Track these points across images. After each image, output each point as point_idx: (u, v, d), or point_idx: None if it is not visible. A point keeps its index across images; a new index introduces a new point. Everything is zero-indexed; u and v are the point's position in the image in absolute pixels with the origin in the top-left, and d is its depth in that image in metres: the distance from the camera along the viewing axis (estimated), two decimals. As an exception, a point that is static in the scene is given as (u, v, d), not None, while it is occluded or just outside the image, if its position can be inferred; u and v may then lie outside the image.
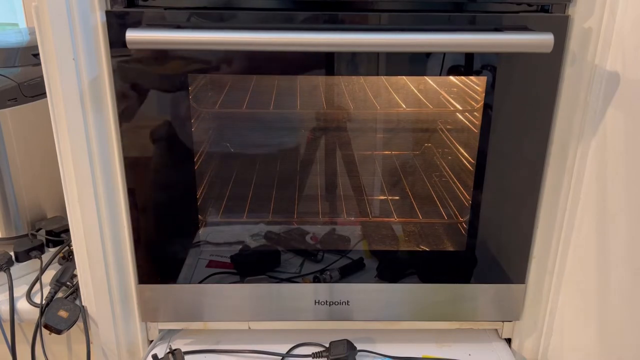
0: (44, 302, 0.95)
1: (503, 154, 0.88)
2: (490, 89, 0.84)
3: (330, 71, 0.85)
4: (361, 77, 1.03)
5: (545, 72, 0.82)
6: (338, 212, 1.11)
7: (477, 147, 0.88)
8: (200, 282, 0.96)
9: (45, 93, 0.83)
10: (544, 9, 0.81)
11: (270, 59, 0.84)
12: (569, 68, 0.82)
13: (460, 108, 1.03)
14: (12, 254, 1.06)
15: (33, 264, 1.07)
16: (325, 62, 0.84)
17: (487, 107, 0.85)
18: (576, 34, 0.80)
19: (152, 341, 1.01)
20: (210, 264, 0.96)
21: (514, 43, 0.77)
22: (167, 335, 1.02)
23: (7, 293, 0.98)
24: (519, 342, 1.01)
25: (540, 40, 0.75)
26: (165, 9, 0.80)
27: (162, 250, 0.93)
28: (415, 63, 0.85)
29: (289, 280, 0.97)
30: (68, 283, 0.99)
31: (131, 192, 0.89)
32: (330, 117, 1.08)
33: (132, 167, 0.87)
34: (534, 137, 0.86)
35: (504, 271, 0.95)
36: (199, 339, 1.00)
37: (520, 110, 0.85)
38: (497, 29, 0.79)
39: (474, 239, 0.93)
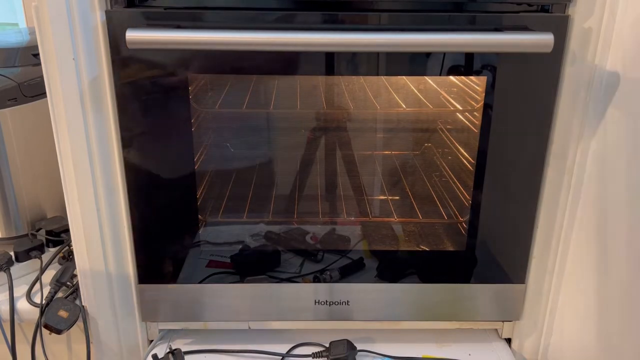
0: (44, 302, 0.95)
1: (503, 154, 0.88)
2: (490, 89, 0.84)
3: (330, 71, 0.85)
4: (361, 77, 1.03)
5: (545, 72, 0.82)
6: (338, 212, 1.11)
7: (477, 147, 0.88)
8: (200, 282, 0.96)
9: (45, 93, 0.83)
10: (544, 9, 0.81)
11: (270, 59, 0.84)
12: (569, 68, 0.82)
13: (460, 108, 1.03)
14: (12, 254, 1.06)
15: (33, 264, 1.07)
16: (325, 62, 0.84)
17: (487, 107, 0.85)
18: (576, 34, 0.80)
19: (152, 341, 1.01)
20: (210, 264, 0.96)
21: (514, 43, 0.77)
22: (167, 335, 1.02)
23: (7, 293, 0.98)
24: (519, 342, 1.01)
25: (540, 40, 0.75)
26: (165, 9, 0.80)
27: (162, 250, 0.93)
28: (415, 63, 0.85)
29: (289, 280, 0.97)
30: (68, 283, 0.99)
31: (131, 192, 0.89)
32: (330, 117, 1.08)
33: (132, 167, 0.87)
34: (534, 137, 0.86)
35: (504, 271, 0.95)
36: (199, 339, 1.00)
37: (520, 110, 0.85)
38: (497, 29, 0.79)
39: (474, 239, 0.93)
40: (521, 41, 0.76)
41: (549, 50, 0.75)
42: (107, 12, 0.78)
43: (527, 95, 0.84)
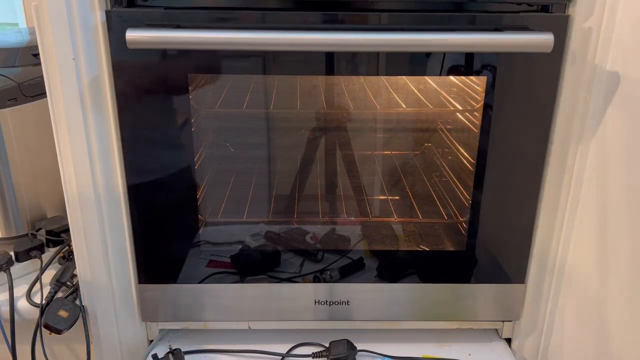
0: (44, 302, 0.95)
1: (503, 154, 0.88)
2: (490, 88, 0.84)
3: (330, 71, 0.85)
4: (361, 77, 1.03)
5: (545, 72, 0.82)
6: (338, 212, 1.11)
7: (477, 147, 0.88)
8: (200, 282, 0.96)
9: (45, 93, 0.83)
10: (544, 9, 0.81)
11: (270, 58, 0.84)
12: (569, 68, 0.82)
13: (460, 108, 1.03)
14: (12, 253, 1.06)
15: (33, 264, 1.07)
16: (325, 62, 0.84)
17: (487, 107, 0.85)
18: (576, 33, 0.80)
19: (152, 341, 1.01)
20: (210, 264, 0.96)
21: (514, 43, 0.77)
22: (167, 335, 1.02)
23: (7, 293, 0.98)
24: (519, 342, 1.01)
25: (540, 40, 0.75)
26: (165, 8, 0.80)
27: (162, 250, 0.93)
28: (415, 63, 0.85)
29: (289, 280, 0.97)
30: (68, 283, 0.99)
31: (131, 192, 0.88)
32: (330, 117, 1.08)
33: (132, 167, 0.87)
34: (534, 137, 0.86)
35: (504, 271, 0.95)
36: (199, 339, 1.00)
37: (520, 110, 0.85)
38: (497, 29, 0.79)
39: (474, 239, 0.93)
40: (521, 41, 0.76)
41: (549, 50, 0.75)
42: (107, 12, 0.78)
43: (527, 95, 0.84)
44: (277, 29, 0.75)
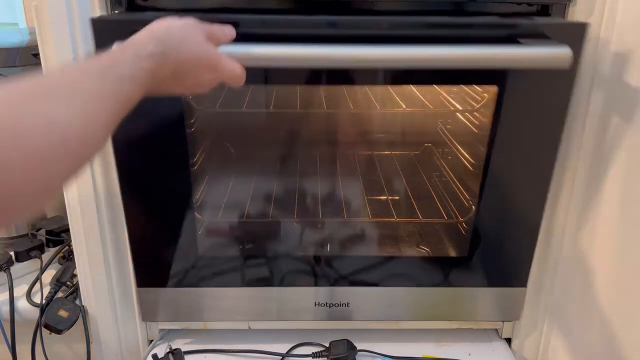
0: (44, 301, 0.95)
1: (504, 154, 0.87)
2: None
3: (331, 81, 0.83)
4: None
5: (556, 77, 0.79)
6: (338, 212, 1.11)
7: (477, 147, 0.88)
8: (200, 283, 0.95)
9: (45, 93, 0.82)
10: (544, 9, 0.81)
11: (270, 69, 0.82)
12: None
13: (461, 108, 1.03)
14: (12, 253, 1.06)
15: (33, 264, 1.07)
16: (327, 73, 0.81)
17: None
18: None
19: (152, 341, 1.01)
20: (210, 264, 0.96)
21: (529, 57, 0.72)
22: (167, 335, 1.02)
23: (7, 293, 0.98)
24: (519, 342, 1.01)
25: (557, 54, 0.71)
26: (165, 11, 0.80)
27: (161, 252, 0.93)
28: (422, 73, 0.83)
29: (289, 281, 0.97)
30: (68, 283, 0.99)
31: (130, 193, 0.88)
32: (330, 117, 1.08)
33: (131, 167, 0.87)
34: (537, 140, 0.86)
35: (505, 272, 0.95)
36: (199, 339, 1.00)
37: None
38: (510, 37, 0.75)
39: (475, 240, 0.93)
40: (537, 56, 0.72)
41: (567, 65, 0.71)
42: (109, 14, 0.78)
43: (530, 97, 0.83)
44: (277, 38, 0.73)
